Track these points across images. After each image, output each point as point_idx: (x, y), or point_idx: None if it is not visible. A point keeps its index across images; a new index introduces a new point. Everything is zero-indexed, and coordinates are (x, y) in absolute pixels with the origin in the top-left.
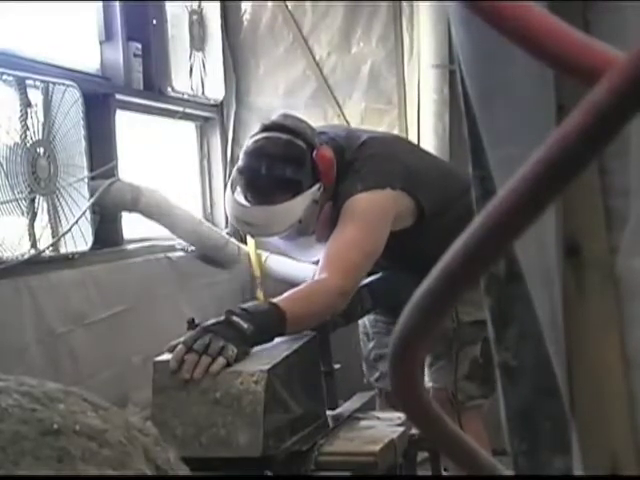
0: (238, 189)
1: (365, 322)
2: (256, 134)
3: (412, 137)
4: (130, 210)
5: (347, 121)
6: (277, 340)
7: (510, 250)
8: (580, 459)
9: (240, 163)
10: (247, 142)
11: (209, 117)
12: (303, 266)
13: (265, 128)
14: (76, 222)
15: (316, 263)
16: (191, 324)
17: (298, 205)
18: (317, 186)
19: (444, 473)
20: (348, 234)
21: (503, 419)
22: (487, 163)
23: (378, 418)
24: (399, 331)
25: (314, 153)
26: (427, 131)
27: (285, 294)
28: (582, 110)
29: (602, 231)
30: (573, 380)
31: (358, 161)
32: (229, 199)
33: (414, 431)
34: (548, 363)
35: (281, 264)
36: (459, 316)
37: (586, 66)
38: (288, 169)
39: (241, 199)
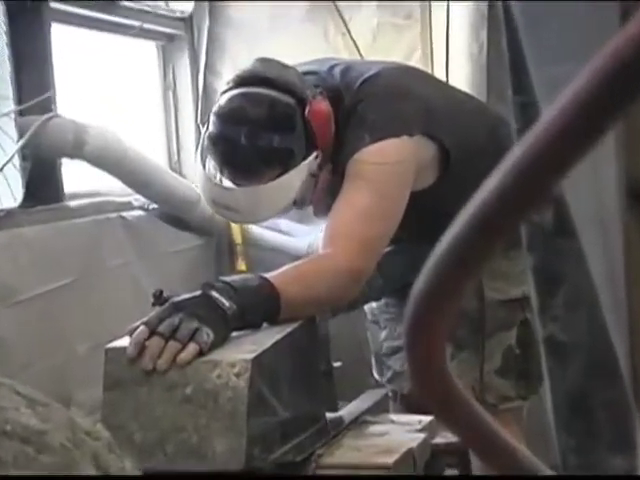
0: (211, 161)
1: (373, 308)
2: (229, 89)
3: (438, 60)
4: (72, 156)
5: (354, 40)
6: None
7: (559, 195)
8: None
9: (212, 128)
10: (218, 99)
11: (175, 34)
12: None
13: (241, 81)
14: (0, 170)
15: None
16: (158, 298)
17: (292, 181)
18: (314, 155)
19: None
20: (357, 201)
21: (549, 408)
22: (531, 86)
23: (393, 422)
24: (418, 293)
25: (306, 110)
26: (458, 52)
27: (280, 270)
28: None
29: None
30: (638, 356)
31: (361, 104)
32: (200, 175)
33: (439, 439)
34: (605, 336)
35: (268, 229)
36: (486, 293)
37: None
38: (276, 137)
39: (216, 176)
